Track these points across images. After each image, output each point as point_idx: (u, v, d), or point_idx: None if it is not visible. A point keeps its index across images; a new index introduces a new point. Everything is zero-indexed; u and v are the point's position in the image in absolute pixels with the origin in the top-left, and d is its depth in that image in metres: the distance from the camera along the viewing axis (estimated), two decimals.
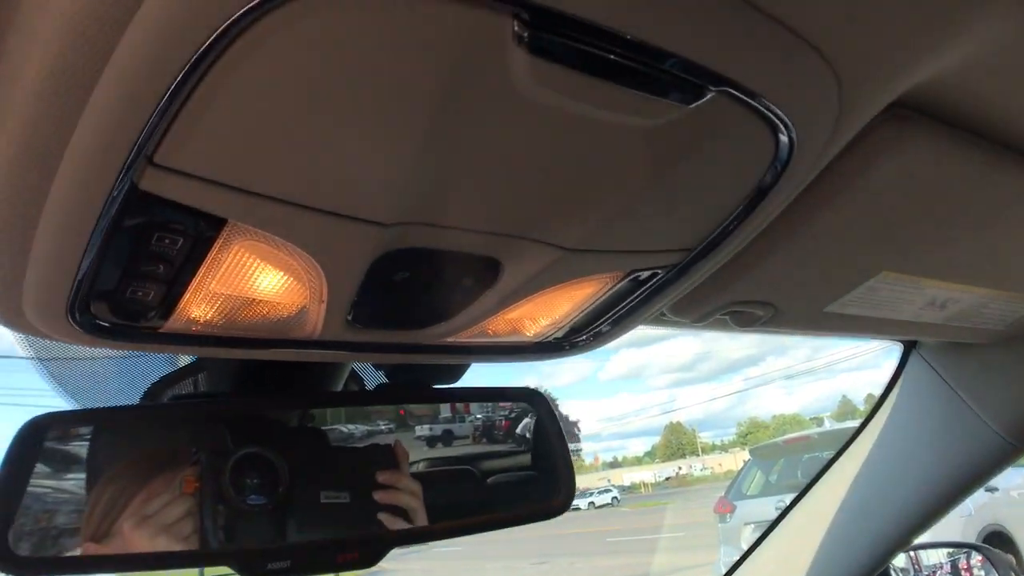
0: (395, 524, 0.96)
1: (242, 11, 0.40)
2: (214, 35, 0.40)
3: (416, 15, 0.43)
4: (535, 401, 1.08)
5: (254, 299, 0.68)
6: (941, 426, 1.72)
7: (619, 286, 0.87)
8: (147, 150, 0.47)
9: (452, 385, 1.08)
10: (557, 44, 0.47)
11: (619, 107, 0.53)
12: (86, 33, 0.41)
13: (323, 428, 1.05)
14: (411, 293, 0.74)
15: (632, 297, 0.91)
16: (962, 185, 0.93)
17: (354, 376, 1.26)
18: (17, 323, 0.67)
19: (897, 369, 1.75)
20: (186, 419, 0.96)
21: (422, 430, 1.07)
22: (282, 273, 0.64)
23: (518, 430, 1.15)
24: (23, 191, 0.53)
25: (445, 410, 1.10)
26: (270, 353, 0.79)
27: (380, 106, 0.48)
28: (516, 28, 0.45)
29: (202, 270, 0.61)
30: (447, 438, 1.08)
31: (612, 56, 0.49)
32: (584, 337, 1.02)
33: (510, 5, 0.44)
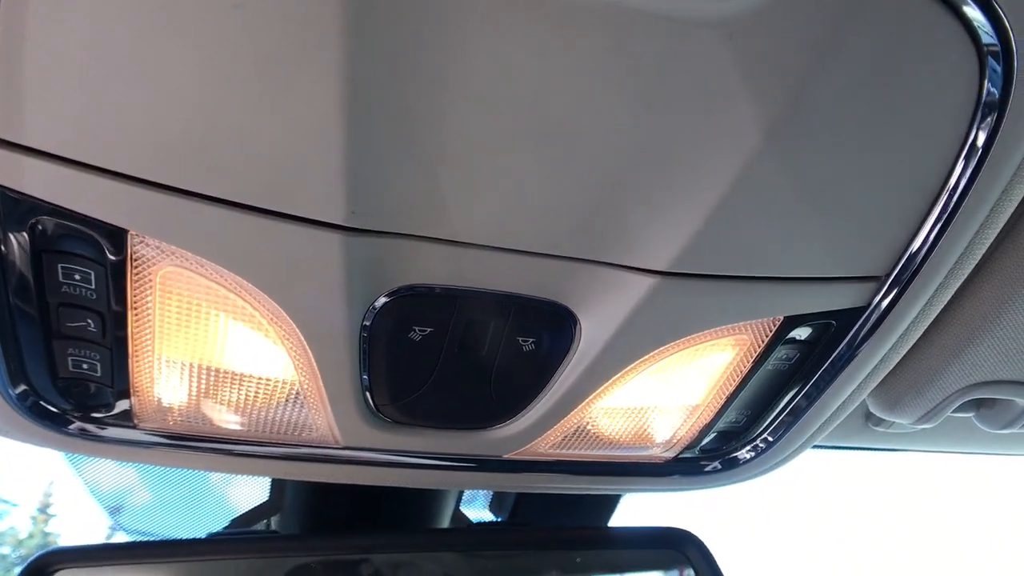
0: None
1: None
2: None
3: None
4: (687, 549, 0.77)
5: (225, 372, 0.50)
6: None
7: (778, 354, 0.58)
8: None
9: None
10: None
11: None
12: None
13: None
14: (447, 366, 0.52)
15: (805, 375, 0.61)
16: None
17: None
18: None
19: None
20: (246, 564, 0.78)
21: None
22: (241, 323, 0.46)
23: None
24: None
25: None
26: (285, 468, 0.60)
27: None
28: None
29: (131, 315, 0.45)
30: None
31: None
32: (746, 449, 0.71)
33: None
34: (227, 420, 0.55)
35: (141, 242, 0.41)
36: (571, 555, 0.78)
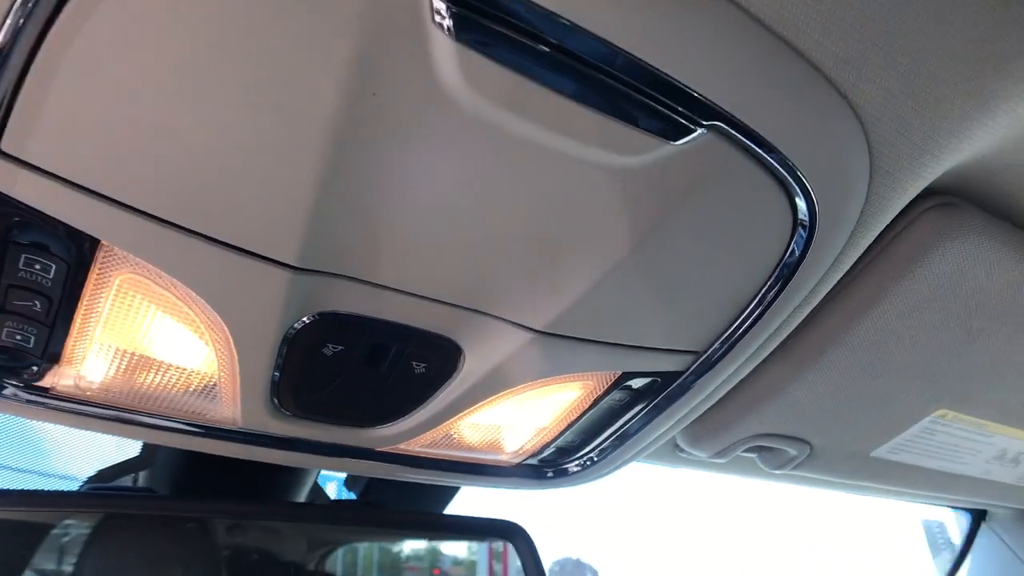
0: None
1: None
2: None
3: None
4: (516, 540, 0.91)
5: (153, 360, 0.57)
6: None
7: (613, 397, 0.73)
8: None
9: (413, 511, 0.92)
10: (488, 32, 0.38)
11: (576, 131, 0.44)
12: None
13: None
14: (349, 377, 0.62)
15: (631, 414, 0.77)
16: None
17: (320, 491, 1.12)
18: None
19: (965, 543, 1.48)
20: (106, 516, 0.83)
21: None
22: (179, 324, 0.54)
23: None
24: None
25: None
26: (181, 440, 0.67)
27: (269, 96, 0.40)
28: (434, 3, 0.37)
29: (82, 306, 0.51)
30: None
31: (564, 58, 0.40)
32: (575, 463, 0.87)
33: None
34: (143, 397, 0.61)
35: (109, 250, 0.48)
36: (415, 535, 0.90)
